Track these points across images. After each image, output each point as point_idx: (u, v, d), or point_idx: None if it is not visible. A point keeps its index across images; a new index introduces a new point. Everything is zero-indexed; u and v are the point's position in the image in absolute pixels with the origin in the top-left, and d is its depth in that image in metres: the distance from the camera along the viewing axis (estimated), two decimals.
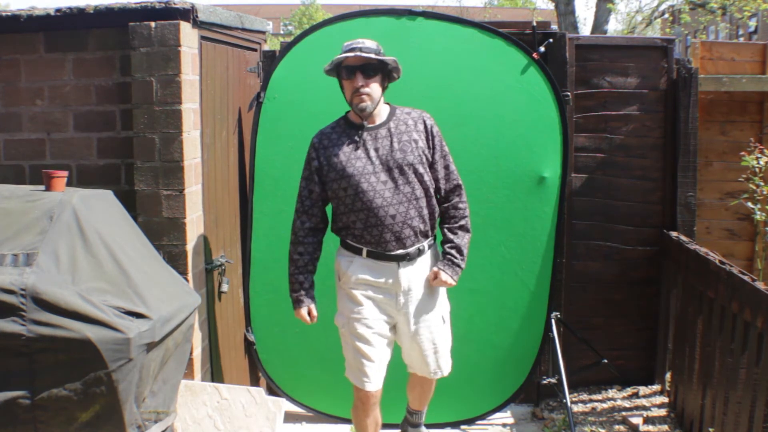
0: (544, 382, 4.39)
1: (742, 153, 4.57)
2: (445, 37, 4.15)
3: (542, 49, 4.26)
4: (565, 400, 4.12)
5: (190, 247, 3.52)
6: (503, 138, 4.16)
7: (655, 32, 24.46)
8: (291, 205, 4.17)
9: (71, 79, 3.54)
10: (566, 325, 4.53)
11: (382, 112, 3.27)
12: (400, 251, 3.21)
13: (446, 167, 3.31)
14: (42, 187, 3.05)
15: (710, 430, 3.69)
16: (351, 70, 3.17)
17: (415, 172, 3.19)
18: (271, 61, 4.29)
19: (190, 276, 3.52)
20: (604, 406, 4.53)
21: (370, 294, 3.26)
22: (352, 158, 3.19)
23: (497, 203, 4.18)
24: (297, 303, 3.36)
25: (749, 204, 4.54)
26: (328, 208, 3.39)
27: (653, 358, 4.73)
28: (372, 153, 3.19)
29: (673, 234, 4.46)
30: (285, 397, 4.25)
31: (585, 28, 29.77)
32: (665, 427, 4.19)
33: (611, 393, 4.70)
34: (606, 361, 4.43)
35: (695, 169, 4.58)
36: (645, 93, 4.60)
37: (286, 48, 4.17)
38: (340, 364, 4.26)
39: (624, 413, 4.35)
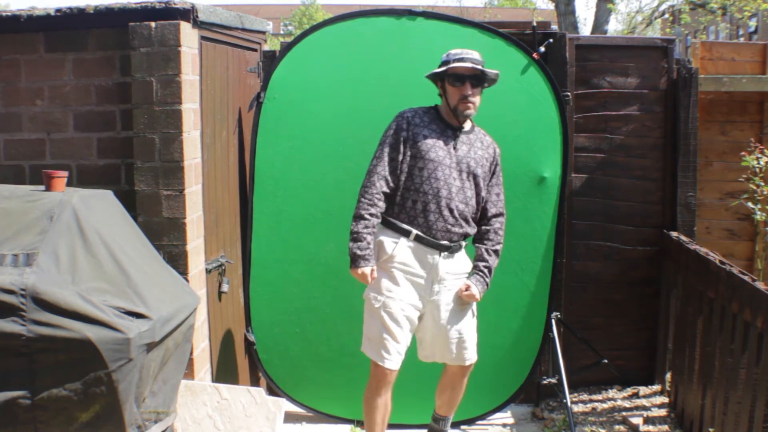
0: (544, 382, 4.39)
1: (742, 153, 4.57)
2: (445, 37, 4.15)
3: (542, 49, 4.26)
4: (565, 400, 4.12)
5: (190, 247, 3.52)
6: (503, 138, 4.14)
7: (655, 32, 24.46)
8: (291, 205, 4.21)
9: (71, 79, 3.54)
10: (566, 325, 4.53)
11: (468, 123, 3.53)
12: (446, 242, 3.40)
13: (497, 194, 3.57)
14: (42, 187, 3.05)
15: (710, 430, 3.69)
16: (460, 78, 3.39)
17: (477, 184, 3.46)
18: (271, 61, 4.29)
19: (190, 276, 3.52)
20: (604, 406, 4.53)
21: (408, 277, 3.40)
22: (436, 145, 3.41)
23: None
24: (362, 260, 3.35)
25: (749, 204, 4.54)
26: None
27: (653, 358, 4.73)
28: (452, 150, 3.43)
29: (673, 234, 4.46)
30: (285, 397, 4.25)
31: (585, 28, 29.75)
32: (665, 427, 4.19)
33: (611, 393, 4.70)
34: (606, 361, 4.43)
35: (695, 169, 4.58)
36: (645, 93, 4.60)
37: (286, 48, 4.17)
38: (340, 364, 4.28)
39: (624, 413, 4.35)
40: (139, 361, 2.71)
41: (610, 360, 4.51)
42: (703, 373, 3.85)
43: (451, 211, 3.38)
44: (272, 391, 4.32)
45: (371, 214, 3.37)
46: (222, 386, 3.60)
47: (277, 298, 4.25)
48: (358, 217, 3.37)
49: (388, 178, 3.40)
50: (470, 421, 4.32)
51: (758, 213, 4.49)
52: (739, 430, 3.33)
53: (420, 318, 3.47)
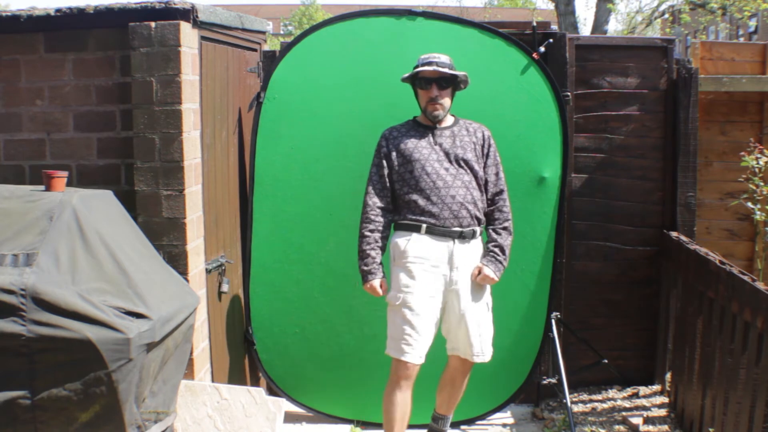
0: (544, 382, 4.39)
1: (742, 153, 4.57)
2: (445, 37, 4.15)
3: (542, 49, 4.26)
4: (565, 401, 4.12)
5: (190, 247, 3.52)
6: (503, 138, 4.15)
7: (655, 32, 24.46)
8: (291, 205, 4.21)
9: (71, 79, 3.54)
10: (566, 325, 4.53)
11: (448, 119, 3.67)
12: (457, 228, 3.49)
13: (496, 174, 3.66)
14: (42, 187, 3.05)
15: (710, 430, 3.69)
16: (427, 81, 3.55)
17: (471, 167, 3.56)
18: (271, 61, 4.29)
19: (190, 276, 3.52)
20: (604, 406, 4.53)
21: (426, 269, 3.47)
22: (419, 146, 3.57)
23: None
24: (369, 275, 3.54)
25: (749, 204, 4.54)
26: None
27: (653, 358, 4.73)
28: (436, 146, 3.58)
29: (673, 234, 4.46)
30: (285, 397, 4.25)
31: (585, 28, 29.74)
32: (665, 427, 4.19)
33: (611, 393, 4.70)
34: (606, 361, 4.44)
35: (695, 169, 4.58)
36: (645, 93, 4.60)
37: (286, 48, 4.17)
38: (340, 364, 4.28)
39: (624, 413, 4.35)
40: (139, 361, 2.70)
41: (610, 360, 4.51)
42: (703, 373, 3.85)
43: (453, 197, 3.49)
44: (272, 391, 4.32)
45: (371, 230, 3.55)
46: (222, 386, 3.60)
47: (277, 298, 4.25)
48: (360, 237, 3.58)
49: (380, 193, 3.58)
50: (470, 421, 4.32)
51: (758, 213, 4.49)
52: (739, 430, 3.33)
53: (443, 310, 3.53)
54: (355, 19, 4.18)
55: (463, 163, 3.55)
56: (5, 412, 2.60)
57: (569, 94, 4.37)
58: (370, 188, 3.61)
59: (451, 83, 3.59)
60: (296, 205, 4.19)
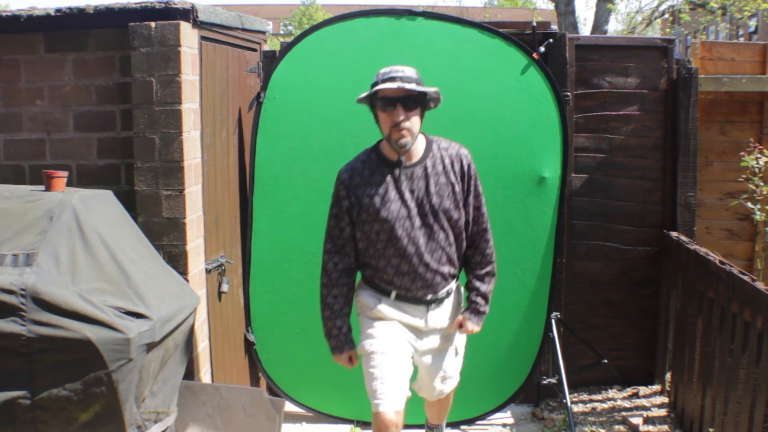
0: (544, 382, 4.39)
1: (742, 153, 4.57)
2: (445, 37, 4.15)
3: (542, 49, 4.26)
4: (565, 401, 4.12)
5: (190, 247, 3.52)
6: (503, 138, 4.16)
7: (655, 32, 24.46)
8: (291, 205, 4.21)
9: (71, 80, 3.54)
10: (566, 325, 4.53)
11: (418, 146, 3.02)
12: (431, 296, 3.07)
13: (477, 208, 3.11)
14: (42, 187, 3.05)
15: (710, 430, 3.69)
16: (390, 102, 2.89)
17: (450, 218, 3.01)
18: (271, 61, 4.30)
19: (190, 276, 3.52)
20: (604, 406, 4.53)
21: (395, 323, 3.09)
22: (386, 200, 2.97)
23: (497, 203, 4.17)
24: (336, 349, 3.11)
25: (749, 204, 4.54)
26: None
27: (653, 358, 4.73)
28: (407, 195, 2.98)
29: (673, 234, 4.46)
30: (285, 397, 4.26)
31: (585, 28, 29.79)
32: (665, 427, 4.19)
33: (611, 393, 4.70)
34: (606, 361, 4.43)
35: (695, 169, 4.58)
36: (645, 93, 4.60)
37: (286, 48, 4.17)
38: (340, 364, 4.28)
39: (624, 413, 4.35)
40: (139, 361, 2.71)
41: (610, 360, 4.51)
42: (703, 373, 3.85)
43: (426, 265, 2.99)
44: (272, 391, 4.32)
45: (334, 297, 3.06)
46: (222, 386, 3.60)
47: (277, 298, 4.25)
48: (322, 304, 3.10)
49: (341, 250, 3.06)
50: (470, 421, 4.32)
51: (758, 213, 4.49)
52: (739, 430, 3.33)
53: (415, 351, 3.16)
54: (355, 19, 4.18)
55: (441, 216, 2.98)
56: (5, 412, 2.60)
57: (569, 94, 4.37)
58: (330, 245, 3.07)
59: (419, 102, 2.92)
60: (296, 205, 4.19)
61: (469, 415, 4.30)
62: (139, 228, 3.30)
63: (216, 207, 3.95)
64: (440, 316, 3.14)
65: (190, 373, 3.55)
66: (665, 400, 4.55)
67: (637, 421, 4.19)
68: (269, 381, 4.33)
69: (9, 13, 3.52)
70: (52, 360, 2.59)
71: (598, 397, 4.67)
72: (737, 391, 3.36)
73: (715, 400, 3.64)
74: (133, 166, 3.49)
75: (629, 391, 4.72)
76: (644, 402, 4.56)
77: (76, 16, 3.44)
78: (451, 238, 3.04)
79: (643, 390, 4.70)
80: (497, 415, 4.39)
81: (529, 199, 4.19)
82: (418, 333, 3.13)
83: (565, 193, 4.25)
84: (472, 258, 3.15)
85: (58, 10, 3.46)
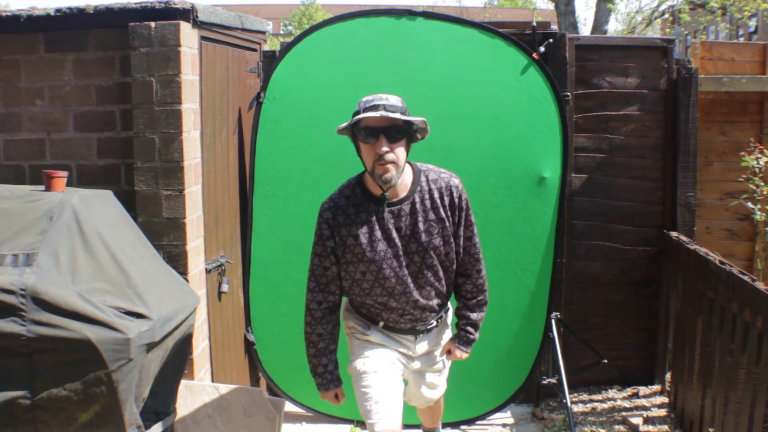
0: (544, 382, 4.39)
1: (742, 153, 4.58)
2: (444, 37, 4.15)
3: (542, 49, 4.26)
4: (565, 400, 4.12)
5: (190, 247, 3.52)
6: (503, 138, 4.16)
7: (655, 32, 24.46)
8: (291, 205, 4.21)
9: (71, 80, 3.54)
10: (566, 325, 4.53)
11: (405, 179, 2.83)
12: (420, 327, 2.99)
13: (469, 238, 2.95)
14: (42, 187, 3.05)
15: (710, 430, 3.69)
16: (373, 132, 2.69)
17: (439, 255, 2.87)
18: (271, 61, 4.30)
19: (190, 276, 3.52)
20: (604, 406, 4.53)
21: (385, 345, 3.02)
22: (372, 240, 2.81)
23: (497, 203, 4.18)
24: (322, 387, 3.01)
25: (749, 204, 4.54)
26: None
27: (653, 358, 4.73)
28: (394, 234, 2.82)
29: (674, 234, 4.46)
30: (285, 397, 4.25)
31: (585, 28, 29.79)
32: (665, 427, 4.19)
33: (611, 393, 4.71)
34: (606, 361, 4.43)
35: (695, 170, 4.58)
36: (645, 93, 4.60)
37: (286, 48, 4.17)
38: (340, 364, 4.27)
39: (624, 413, 4.35)
40: (139, 361, 2.71)
41: (610, 360, 4.51)
42: (702, 373, 3.85)
43: (415, 302, 2.89)
44: (272, 391, 4.32)
45: (318, 335, 2.93)
46: (222, 386, 3.60)
47: (277, 298, 4.25)
48: (307, 342, 2.98)
49: (326, 289, 2.91)
50: (470, 421, 4.32)
51: (758, 213, 4.49)
52: (739, 430, 3.33)
53: (405, 367, 3.10)
54: (355, 19, 4.18)
55: (431, 253, 2.84)
56: (5, 412, 2.60)
57: (569, 94, 4.37)
58: (313, 284, 2.91)
59: (404, 133, 2.72)
60: (296, 205, 4.19)
61: (469, 415, 4.30)
62: (139, 228, 3.30)
63: (216, 207, 3.95)
64: (429, 342, 3.08)
65: (190, 373, 3.55)
66: (665, 400, 4.55)
67: (637, 421, 4.19)
68: (269, 381, 4.33)
69: (9, 13, 3.52)
70: (52, 360, 2.59)
71: (598, 397, 4.67)
72: (737, 391, 3.36)
73: (715, 400, 3.64)
74: (133, 166, 3.49)
75: (629, 391, 4.72)
76: (644, 402, 4.56)
77: (76, 16, 3.44)
78: (441, 272, 2.92)
79: (643, 390, 4.70)
80: (497, 415, 4.39)
81: (529, 199, 4.19)
82: (407, 356, 3.07)
83: (565, 193, 4.25)
84: (462, 286, 3.02)
85: (58, 10, 3.46)
